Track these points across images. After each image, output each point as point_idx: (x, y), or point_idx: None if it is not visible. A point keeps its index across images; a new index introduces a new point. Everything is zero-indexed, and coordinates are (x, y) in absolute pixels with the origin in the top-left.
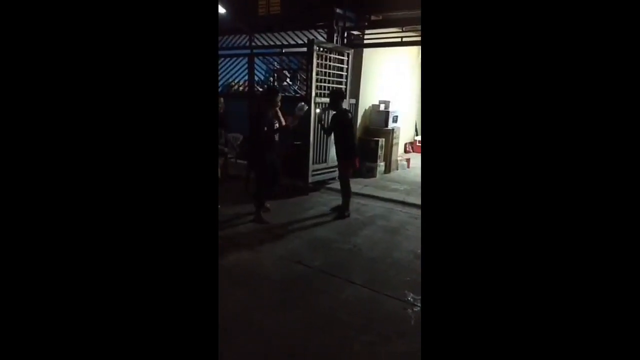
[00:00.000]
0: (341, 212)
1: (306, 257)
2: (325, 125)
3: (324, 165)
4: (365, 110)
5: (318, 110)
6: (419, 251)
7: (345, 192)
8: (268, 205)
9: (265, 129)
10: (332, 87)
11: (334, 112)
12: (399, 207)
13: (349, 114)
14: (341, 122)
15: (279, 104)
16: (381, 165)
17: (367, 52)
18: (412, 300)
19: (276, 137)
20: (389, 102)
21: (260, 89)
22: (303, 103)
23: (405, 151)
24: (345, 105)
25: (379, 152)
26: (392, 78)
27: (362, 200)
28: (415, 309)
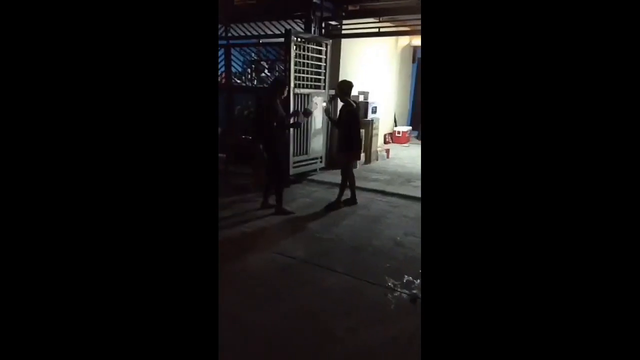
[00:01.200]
0: (353, 201)
1: (288, 248)
2: (332, 117)
3: (304, 157)
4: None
5: (324, 104)
6: (399, 238)
7: (352, 182)
8: (271, 202)
9: (275, 124)
10: (311, 78)
11: (343, 103)
12: (379, 197)
13: (355, 104)
14: (349, 112)
15: (285, 94)
16: (362, 155)
17: (345, 42)
18: (392, 285)
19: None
20: (368, 93)
21: (238, 81)
22: (315, 102)
23: (385, 142)
24: (325, 97)
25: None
26: (371, 69)
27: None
28: (395, 294)
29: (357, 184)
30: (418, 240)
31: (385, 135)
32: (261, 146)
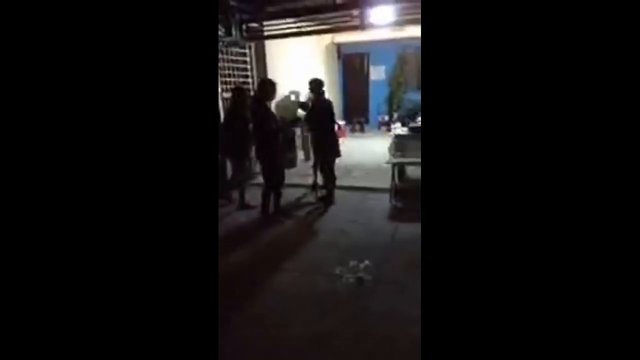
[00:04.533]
0: (329, 200)
1: (238, 250)
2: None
3: None
4: (277, 102)
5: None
6: (343, 227)
7: (332, 179)
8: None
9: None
10: (236, 82)
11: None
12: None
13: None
14: (326, 109)
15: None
16: (301, 153)
17: (270, 44)
18: (339, 272)
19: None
20: (299, 92)
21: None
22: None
23: None
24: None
25: (297, 141)
26: (297, 69)
27: (290, 190)
28: (342, 280)
29: (299, 180)
30: (360, 227)
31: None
32: (254, 154)
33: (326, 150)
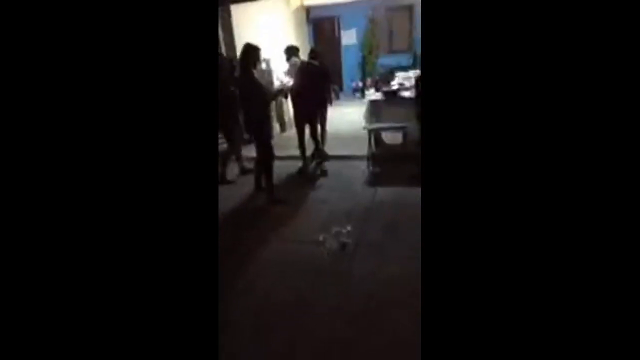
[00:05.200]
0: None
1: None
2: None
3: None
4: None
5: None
6: (323, 196)
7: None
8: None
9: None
10: None
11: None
12: (301, 162)
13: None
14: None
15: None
16: (276, 125)
17: (237, 11)
18: (322, 239)
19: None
20: (269, 59)
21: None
22: (295, 58)
23: None
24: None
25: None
26: (266, 35)
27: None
28: (327, 246)
29: (278, 153)
30: (340, 194)
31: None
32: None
33: (316, 121)
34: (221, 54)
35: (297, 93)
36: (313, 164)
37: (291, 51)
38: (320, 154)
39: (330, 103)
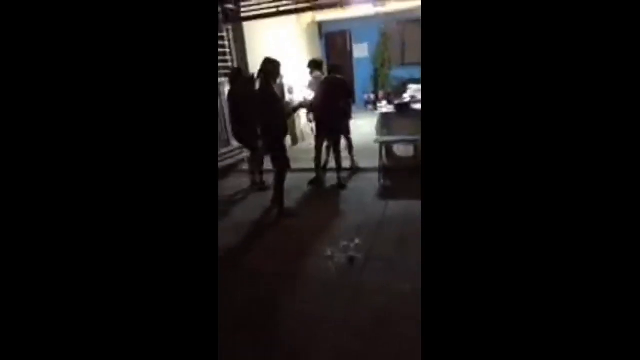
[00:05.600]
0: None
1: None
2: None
3: (227, 148)
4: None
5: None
6: (333, 208)
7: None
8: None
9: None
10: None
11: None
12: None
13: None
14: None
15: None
16: (287, 138)
17: (249, 26)
18: (330, 253)
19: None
20: (282, 75)
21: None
22: (318, 72)
23: (309, 120)
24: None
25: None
26: (279, 50)
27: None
28: (335, 260)
29: (292, 166)
30: (351, 206)
31: (307, 114)
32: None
33: (335, 132)
34: (242, 69)
35: (320, 107)
36: (327, 176)
37: (315, 64)
38: (353, 164)
39: (350, 116)
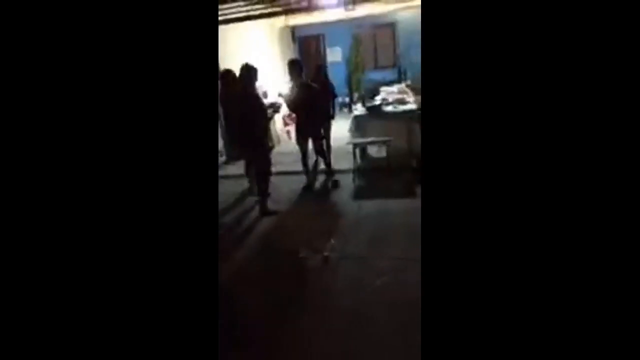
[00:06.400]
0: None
1: None
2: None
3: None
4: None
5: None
6: (308, 209)
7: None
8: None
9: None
10: None
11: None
12: (294, 177)
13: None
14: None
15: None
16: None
17: (222, 31)
18: (305, 254)
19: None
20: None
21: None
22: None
23: (285, 124)
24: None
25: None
26: (252, 55)
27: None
28: (310, 261)
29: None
30: (326, 207)
31: (283, 117)
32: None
33: (320, 135)
34: (232, 71)
35: (302, 108)
36: (322, 178)
37: (296, 65)
38: (328, 168)
39: (333, 117)
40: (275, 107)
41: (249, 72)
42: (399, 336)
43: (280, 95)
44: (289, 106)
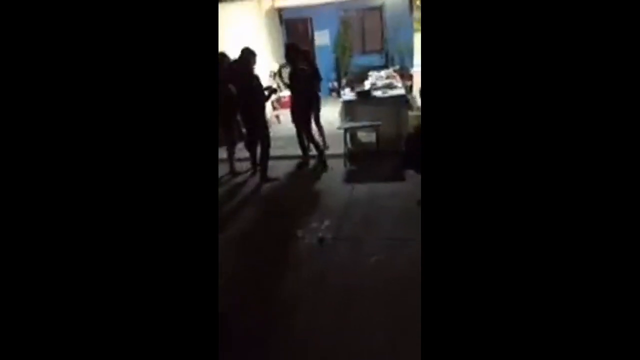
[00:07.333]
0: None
1: None
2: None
3: None
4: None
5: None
6: (302, 193)
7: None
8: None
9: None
10: None
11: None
12: (282, 162)
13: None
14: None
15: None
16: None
17: None
18: (301, 235)
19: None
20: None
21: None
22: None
23: (273, 108)
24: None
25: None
26: (239, 38)
27: (246, 163)
28: (305, 241)
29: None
30: (319, 191)
31: (272, 102)
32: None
33: (311, 117)
34: (227, 55)
35: (299, 91)
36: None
37: (294, 49)
38: (320, 153)
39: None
40: (272, 90)
41: (251, 54)
42: (390, 309)
43: (272, 74)
44: (291, 90)
